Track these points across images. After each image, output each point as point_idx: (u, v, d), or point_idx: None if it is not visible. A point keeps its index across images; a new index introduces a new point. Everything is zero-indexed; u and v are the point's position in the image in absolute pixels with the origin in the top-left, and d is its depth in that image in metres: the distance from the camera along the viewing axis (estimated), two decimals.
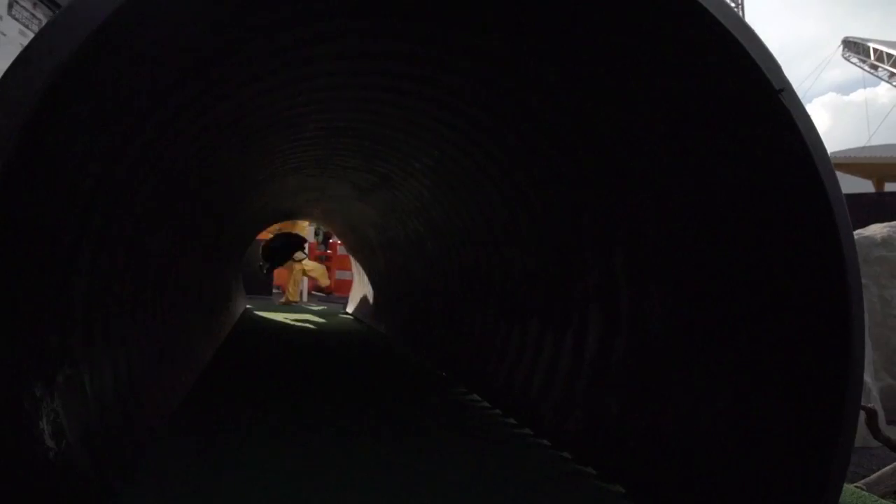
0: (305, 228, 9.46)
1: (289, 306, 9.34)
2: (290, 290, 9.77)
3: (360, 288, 8.69)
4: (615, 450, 2.32)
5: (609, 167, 2.41)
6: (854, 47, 27.89)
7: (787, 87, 1.57)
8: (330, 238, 12.27)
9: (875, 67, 26.94)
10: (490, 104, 2.81)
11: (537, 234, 3.14)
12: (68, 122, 1.44)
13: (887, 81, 27.27)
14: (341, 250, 11.38)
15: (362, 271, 8.44)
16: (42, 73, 1.17)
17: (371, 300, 7.83)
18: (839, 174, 1.60)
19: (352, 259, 9.30)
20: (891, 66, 25.66)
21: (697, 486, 1.90)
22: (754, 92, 1.57)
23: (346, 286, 11.20)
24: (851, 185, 16.05)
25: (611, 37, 1.89)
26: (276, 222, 9.00)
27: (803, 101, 1.60)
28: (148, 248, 2.55)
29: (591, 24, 1.90)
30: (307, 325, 7.39)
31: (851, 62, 28.55)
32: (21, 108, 1.15)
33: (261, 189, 5.21)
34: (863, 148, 22.08)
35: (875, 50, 26.30)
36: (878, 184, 19.05)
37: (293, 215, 8.97)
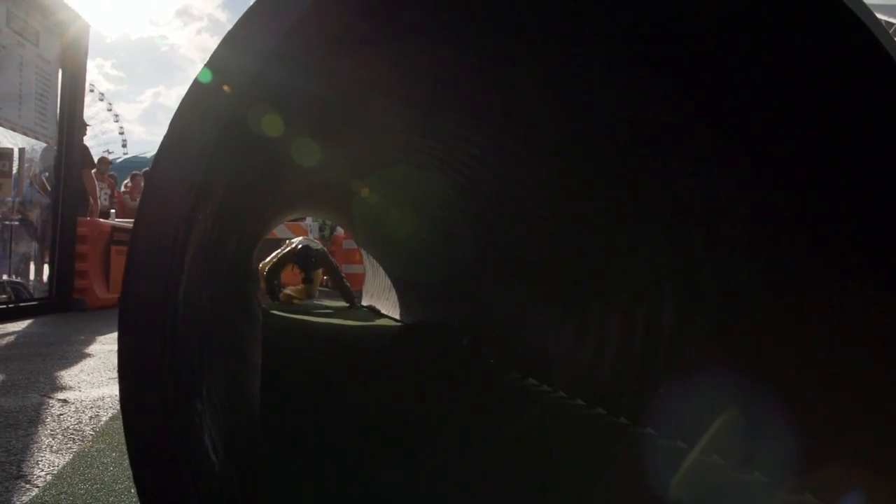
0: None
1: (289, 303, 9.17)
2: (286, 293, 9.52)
3: (375, 280, 8.67)
4: None
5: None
6: None
7: None
8: (333, 232, 12.19)
9: None
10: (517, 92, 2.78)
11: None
12: None
13: None
14: (347, 244, 11.34)
15: (376, 264, 8.41)
16: None
17: (391, 291, 7.82)
18: None
19: (364, 253, 9.27)
20: None
21: None
22: (882, 69, 1.64)
23: (353, 280, 11.17)
24: None
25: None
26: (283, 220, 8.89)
27: None
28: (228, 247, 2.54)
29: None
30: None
31: None
32: None
33: (290, 185, 5.15)
34: None
35: None
36: None
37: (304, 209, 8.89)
